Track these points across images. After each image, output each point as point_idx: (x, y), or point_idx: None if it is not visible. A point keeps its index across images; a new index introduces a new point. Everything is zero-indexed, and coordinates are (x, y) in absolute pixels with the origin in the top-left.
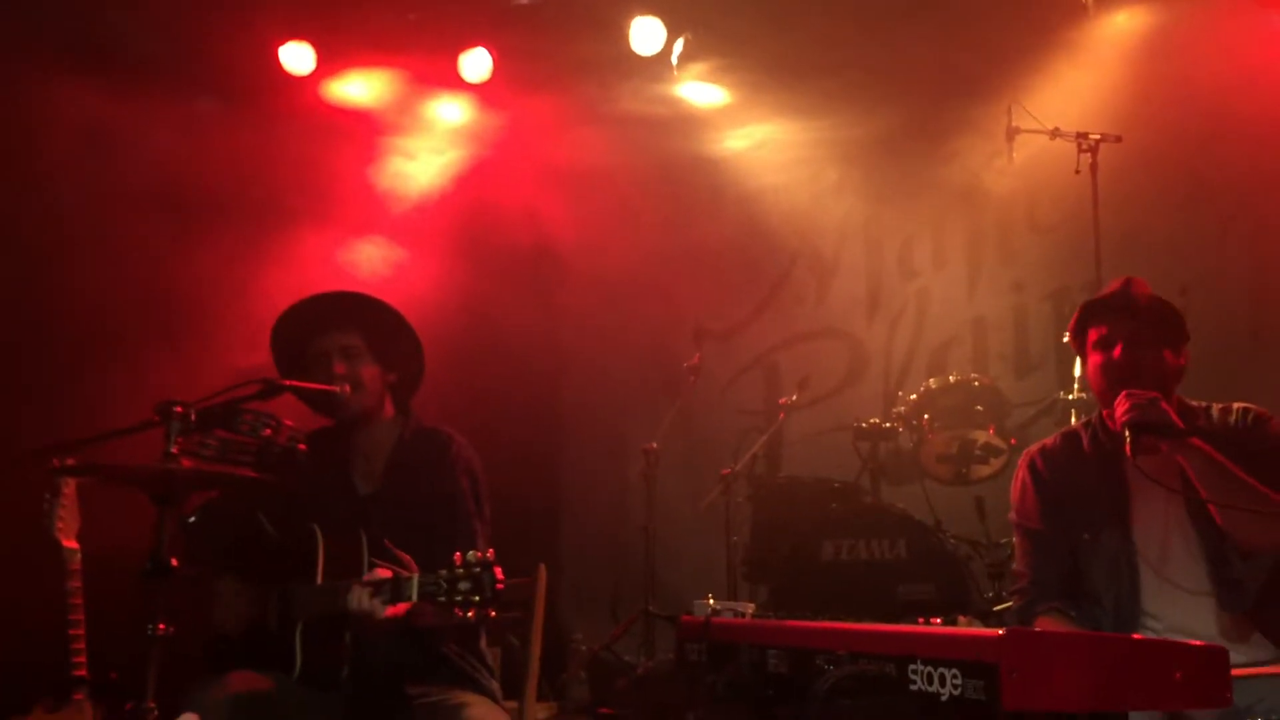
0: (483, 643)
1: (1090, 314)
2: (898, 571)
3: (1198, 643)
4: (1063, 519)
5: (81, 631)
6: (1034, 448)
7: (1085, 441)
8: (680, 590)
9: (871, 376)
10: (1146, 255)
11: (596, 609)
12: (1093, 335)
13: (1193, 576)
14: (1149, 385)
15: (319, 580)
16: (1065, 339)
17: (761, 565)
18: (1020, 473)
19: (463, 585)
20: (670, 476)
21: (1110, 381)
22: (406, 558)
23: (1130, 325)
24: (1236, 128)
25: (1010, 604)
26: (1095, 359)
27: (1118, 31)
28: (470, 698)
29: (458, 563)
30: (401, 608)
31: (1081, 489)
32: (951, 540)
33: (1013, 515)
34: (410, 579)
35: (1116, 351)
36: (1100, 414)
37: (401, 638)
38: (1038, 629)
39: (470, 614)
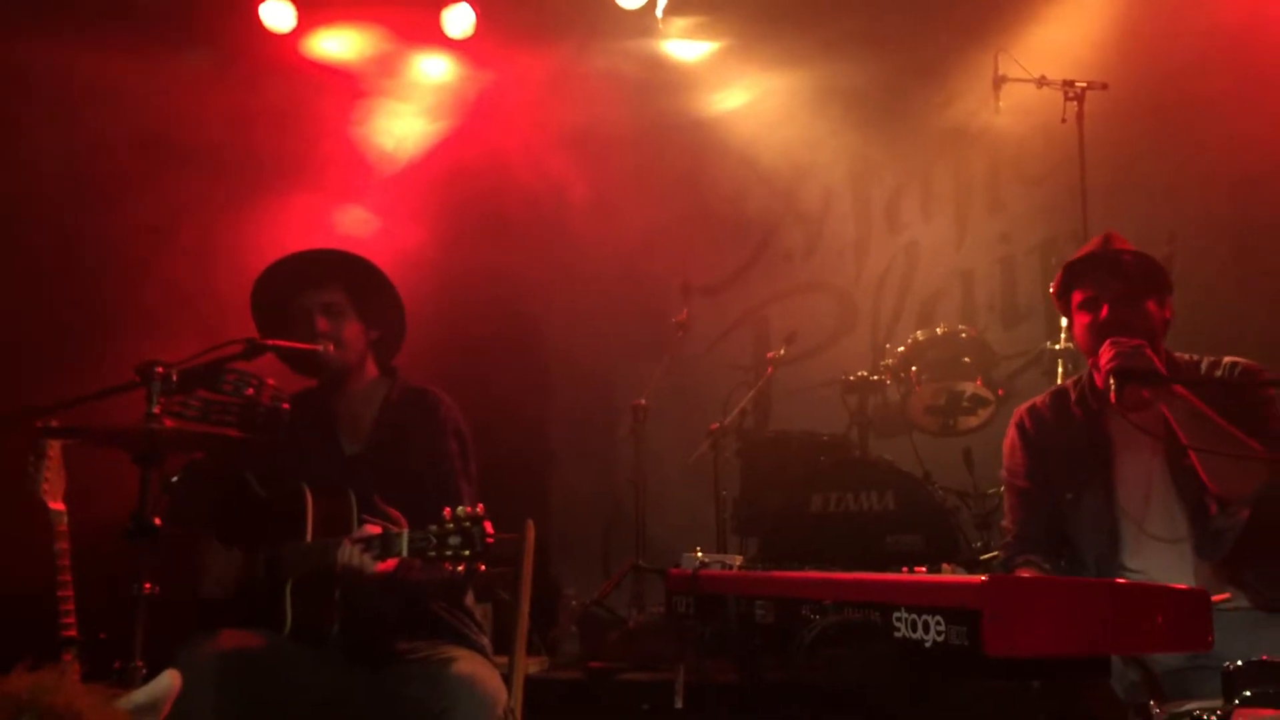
0: (470, 599)
1: (1073, 275)
2: (886, 523)
3: (1180, 585)
4: (1047, 477)
5: (70, 592)
6: (1024, 406)
7: (1073, 399)
8: (670, 544)
9: (860, 330)
10: (1133, 203)
11: (587, 563)
12: (1078, 296)
13: (1172, 527)
14: (1153, 341)
15: (308, 539)
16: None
17: (751, 518)
18: (1010, 430)
19: (453, 540)
20: (659, 431)
21: (1099, 341)
22: (396, 514)
23: (1114, 284)
24: (1222, 73)
25: (994, 554)
26: (1082, 319)
27: None
28: (460, 652)
29: (447, 518)
30: (391, 563)
31: (1066, 447)
32: (940, 491)
33: (1003, 471)
34: (400, 534)
35: (1104, 312)
36: (1089, 372)
37: (390, 594)
38: (1019, 575)
39: (460, 568)
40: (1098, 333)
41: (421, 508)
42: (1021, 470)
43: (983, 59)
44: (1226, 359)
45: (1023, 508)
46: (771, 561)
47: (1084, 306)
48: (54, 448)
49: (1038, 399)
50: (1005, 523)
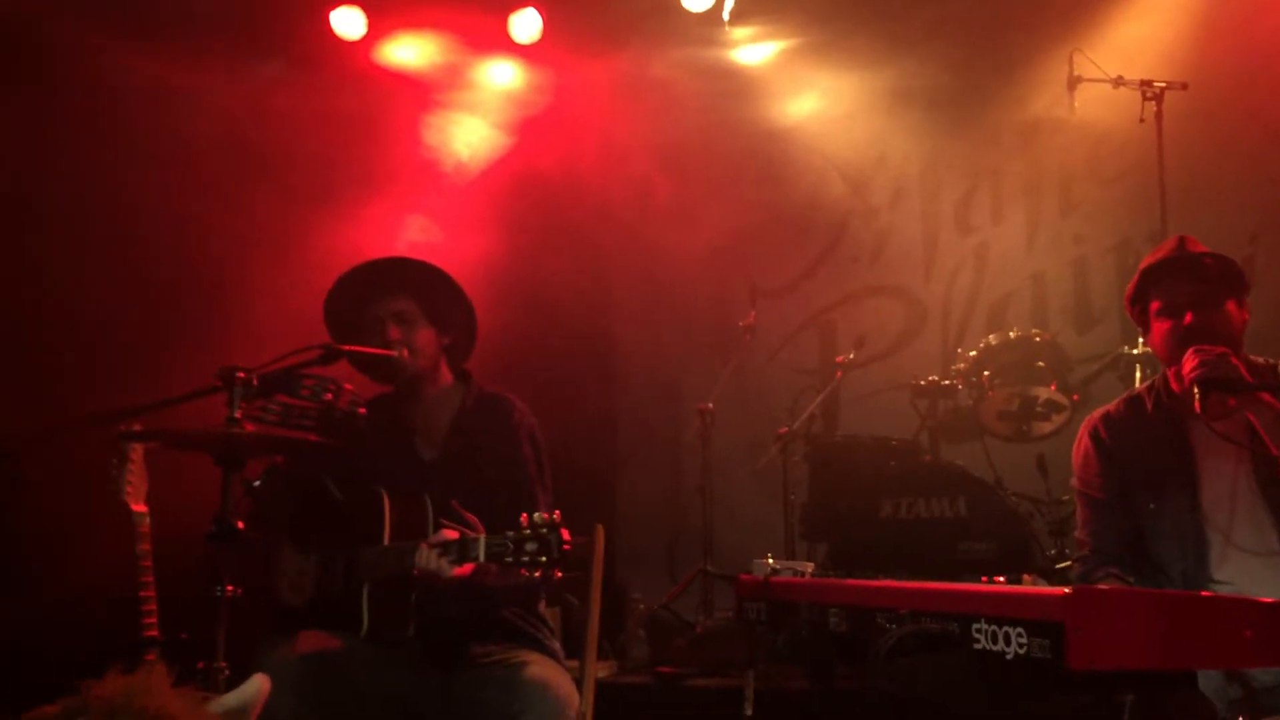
0: (542, 604)
1: (1150, 280)
2: (958, 530)
3: (1267, 599)
4: (1126, 487)
5: (152, 594)
6: (1096, 414)
7: (1149, 406)
8: (737, 549)
9: (929, 333)
10: (1212, 204)
11: (653, 568)
12: (1155, 304)
13: (1260, 538)
14: (1221, 345)
15: (385, 542)
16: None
17: (819, 524)
18: (1082, 440)
19: (529, 546)
20: (726, 436)
21: (1182, 348)
22: (474, 519)
23: (1196, 288)
24: None
25: (1069, 564)
26: (1162, 326)
27: None
28: (533, 656)
29: (524, 524)
30: (468, 568)
31: (1146, 456)
32: (1012, 498)
33: (1075, 481)
34: (477, 539)
35: (1188, 318)
36: (1164, 377)
37: (465, 598)
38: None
39: (537, 574)
40: (1181, 339)
41: (496, 512)
42: (1097, 481)
43: (1057, 58)
44: None
45: (1098, 519)
46: (842, 568)
47: (1163, 313)
48: (136, 451)
49: (1110, 406)
50: (1080, 534)
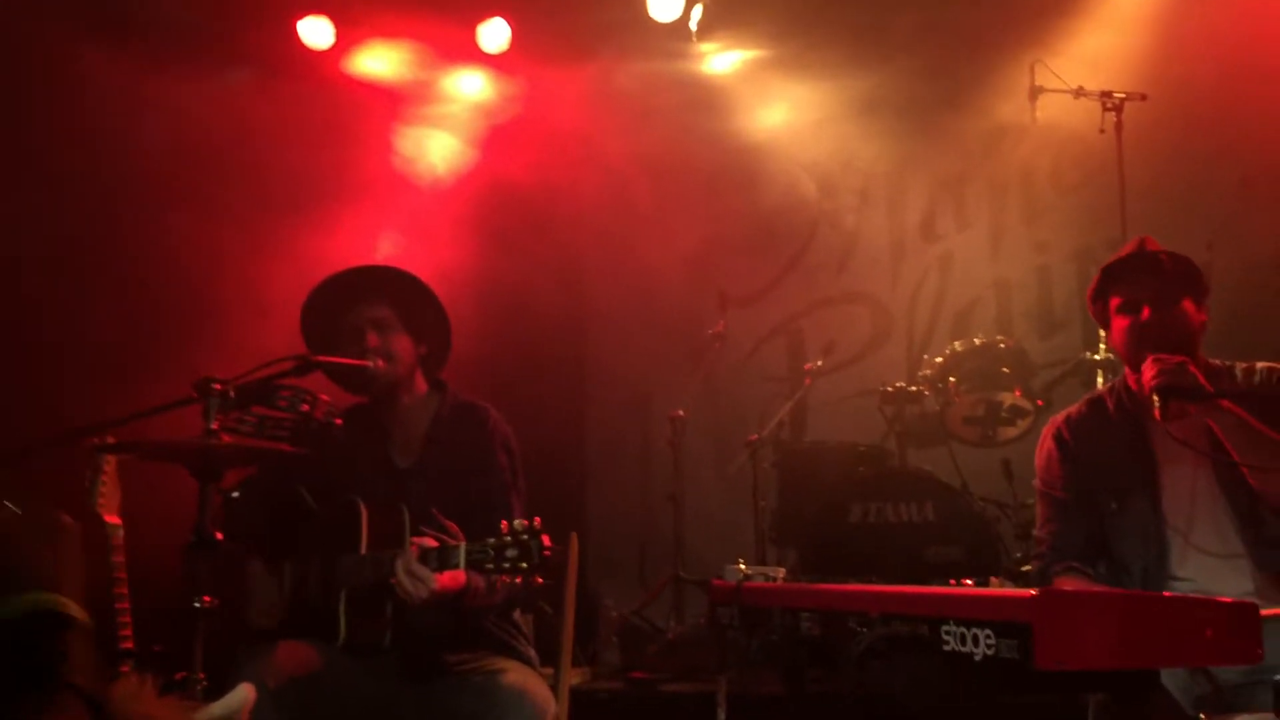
0: (516, 612)
1: (1110, 279)
2: (926, 534)
3: (1227, 599)
4: (1088, 487)
5: (127, 605)
6: (1059, 416)
7: (1110, 407)
8: (708, 555)
9: (896, 340)
10: (1170, 212)
11: (624, 575)
12: (1115, 300)
13: (1223, 541)
14: (1178, 343)
15: (363, 552)
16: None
17: (789, 529)
18: (1045, 441)
19: (510, 553)
20: (696, 443)
21: (1140, 343)
22: (454, 527)
23: (1154, 285)
24: (1260, 83)
25: (1029, 567)
26: (1121, 323)
27: None
28: (509, 664)
29: (504, 531)
30: (447, 576)
31: (1108, 457)
32: (979, 502)
33: (1037, 482)
34: (457, 547)
35: (1145, 313)
36: (1124, 378)
37: (441, 607)
38: (1068, 588)
39: (518, 580)
40: (1139, 335)
41: (473, 520)
42: (1059, 481)
43: (1020, 68)
44: (1260, 364)
45: (1060, 518)
46: (812, 573)
47: (1122, 310)
48: (110, 462)
49: (1072, 409)
50: (1038, 532)
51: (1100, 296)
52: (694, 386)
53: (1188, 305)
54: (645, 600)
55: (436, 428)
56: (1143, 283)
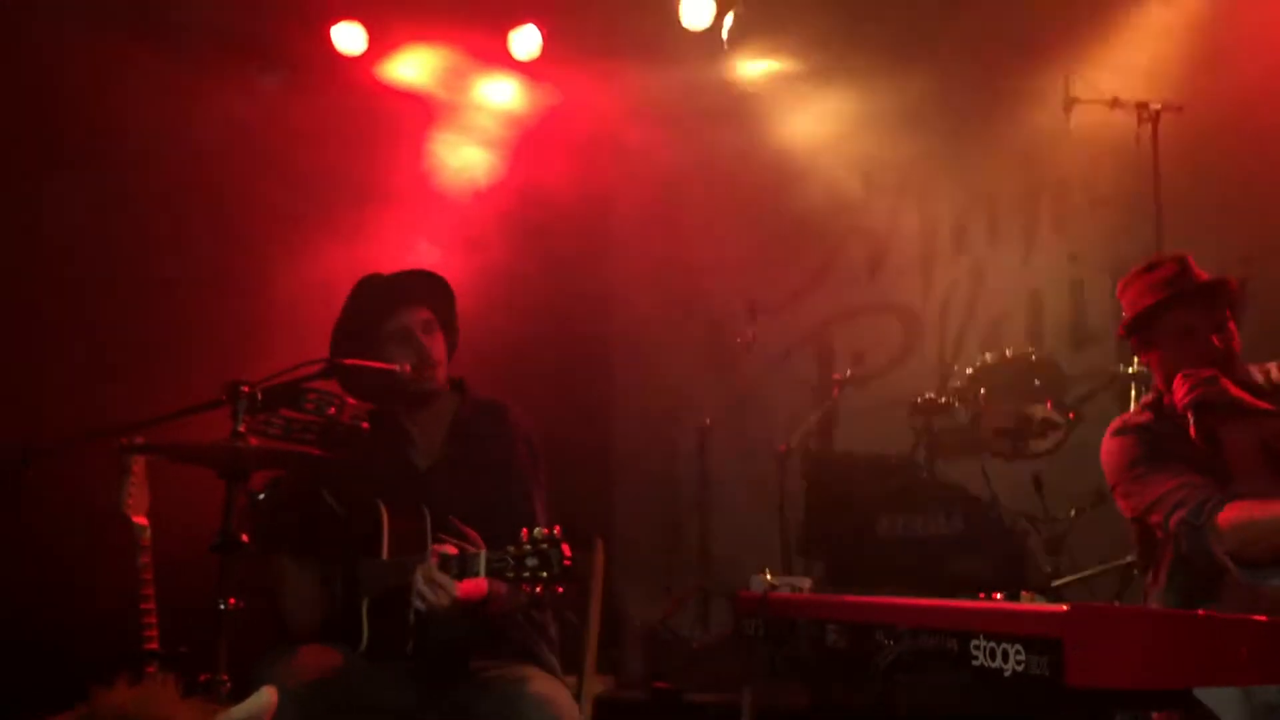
0: (544, 618)
1: (1168, 305)
2: (954, 547)
3: (1262, 618)
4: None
5: (153, 605)
6: (1125, 418)
7: (1175, 412)
8: (734, 565)
9: (926, 351)
10: (1206, 226)
11: (650, 584)
12: (1174, 325)
13: None
14: (1234, 363)
15: (384, 556)
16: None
17: (816, 540)
18: (1124, 437)
19: (530, 561)
20: (724, 452)
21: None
22: (473, 534)
23: (1214, 314)
24: None
25: (1069, 578)
26: (1179, 348)
27: None
28: (532, 671)
29: (524, 539)
30: (469, 584)
31: (1187, 454)
32: (1009, 516)
33: (1121, 475)
34: (477, 555)
35: (1215, 340)
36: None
37: (465, 614)
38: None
39: (539, 590)
40: (1207, 362)
41: (496, 517)
42: (1162, 457)
43: (1054, 79)
44: (1274, 365)
45: (1184, 475)
46: (839, 584)
47: (1184, 336)
48: (138, 463)
49: (1128, 415)
50: (1173, 496)
51: (1149, 320)
52: (722, 395)
53: (1233, 327)
54: (670, 609)
55: (457, 425)
56: (1204, 312)
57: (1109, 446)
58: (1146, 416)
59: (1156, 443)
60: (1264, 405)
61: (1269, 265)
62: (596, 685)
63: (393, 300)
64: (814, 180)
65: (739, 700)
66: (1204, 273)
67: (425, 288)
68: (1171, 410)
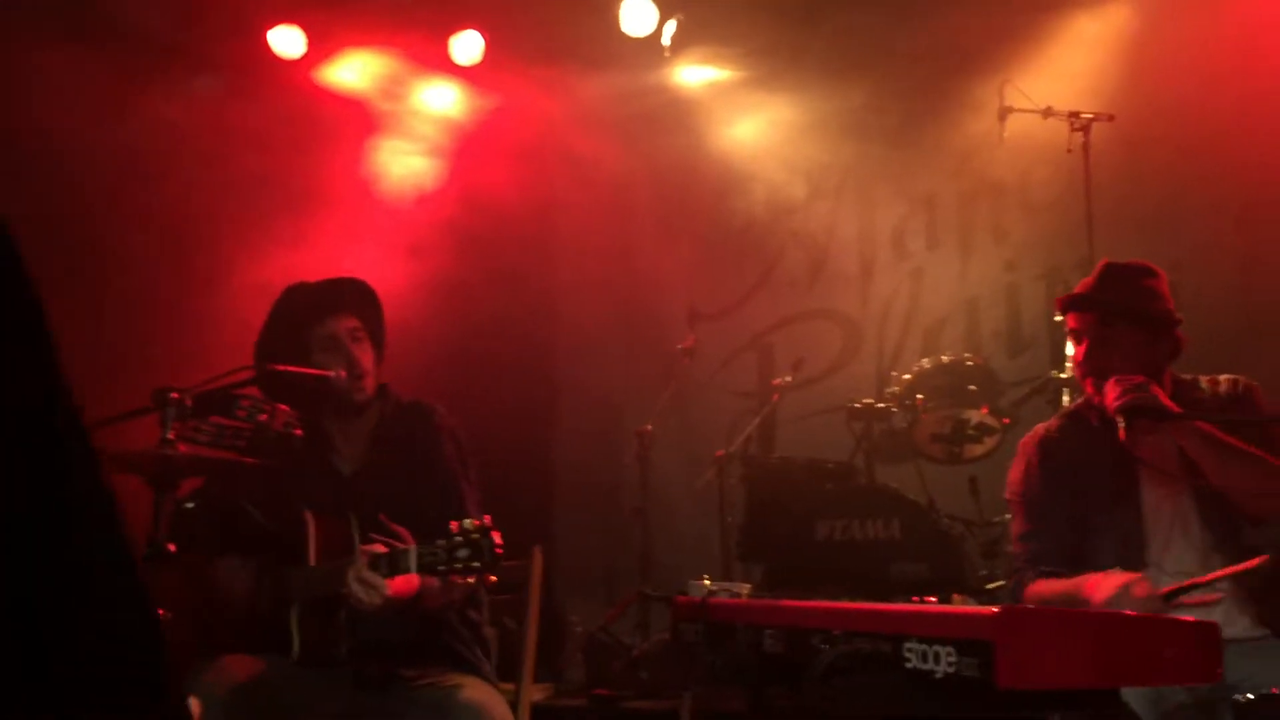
0: (481, 625)
1: (1063, 308)
2: (892, 551)
3: (1189, 619)
4: (1069, 499)
5: None
6: (1039, 429)
7: (1095, 422)
8: (675, 571)
9: (865, 357)
10: (1138, 233)
11: (591, 591)
12: (1069, 324)
13: (1201, 559)
14: (1114, 373)
15: (312, 562)
16: (1057, 318)
17: (756, 545)
18: (1025, 451)
19: (461, 552)
20: (665, 458)
21: (1081, 375)
22: (403, 531)
23: (1092, 322)
24: (1228, 105)
25: (1000, 584)
26: (1075, 349)
27: (1110, 9)
28: (466, 679)
29: (454, 530)
30: (400, 581)
31: (1091, 470)
32: (945, 519)
33: (1011, 494)
34: (408, 550)
35: (1084, 346)
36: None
37: (398, 619)
38: (1042, 589)
39: (471, 580)
40: (1079, 368)
41: (425, 517)
42: (1039, 490)
43: (990, 87)
44: (1224, 376)
45: (1038, 528)
46: (779, 589)
47: (1072, 336)
48: None
49: (1050, 423)
50: (1016, 547)
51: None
52: (663, 401)
53: (1139, 339)
54: (611, 616)
55: (381, 428)
56: (1083, 318)
57: (1020, 459)
58: (1057, 422)
59: (1049, 458)
60: (1178, 410)
61: (1198, 271)
62: (536, 693)
63: (320, 308)
64: (755, 187)
65: (678, 706)
66: (1127, 275)
67: (353, 296)
68: (1102, 405)
